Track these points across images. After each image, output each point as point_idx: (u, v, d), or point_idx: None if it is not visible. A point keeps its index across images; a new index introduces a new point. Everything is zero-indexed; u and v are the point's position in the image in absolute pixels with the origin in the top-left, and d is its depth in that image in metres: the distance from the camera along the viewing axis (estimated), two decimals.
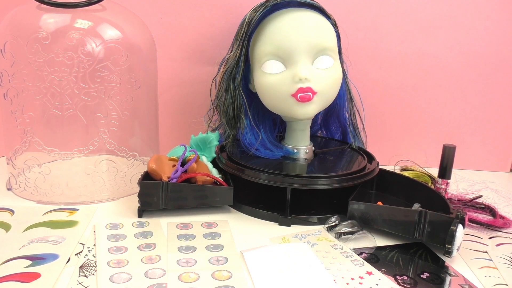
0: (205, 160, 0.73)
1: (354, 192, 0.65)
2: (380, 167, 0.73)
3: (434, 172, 0.76)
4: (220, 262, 0.54)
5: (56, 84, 0.64)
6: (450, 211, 0.59)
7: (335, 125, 0.83)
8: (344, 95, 0.77)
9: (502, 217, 0.69)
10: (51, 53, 0.63)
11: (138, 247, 0.56)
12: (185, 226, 0.63)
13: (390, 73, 0.88)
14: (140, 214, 0.65)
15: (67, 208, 0.67)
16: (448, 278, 0.53)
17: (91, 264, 0.52)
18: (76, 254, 0.54)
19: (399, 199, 0.71)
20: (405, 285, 0.51)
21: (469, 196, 0.74)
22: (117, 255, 0.54)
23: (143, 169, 0.71)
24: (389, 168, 0.78)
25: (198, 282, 0.50)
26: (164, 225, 0.63)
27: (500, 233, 0.66)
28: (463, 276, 0.54)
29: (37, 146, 0.67)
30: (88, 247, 0.56)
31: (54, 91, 0.64)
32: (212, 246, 0.57)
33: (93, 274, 0.50)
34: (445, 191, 0.71)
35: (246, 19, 0.69)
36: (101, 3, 0.68)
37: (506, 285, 0.52)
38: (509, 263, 0.57)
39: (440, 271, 0.55)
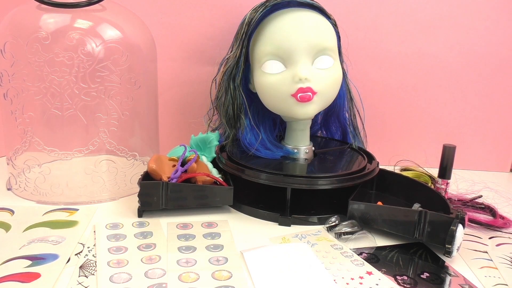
0: (205, 160, 0.73)
1: (354, 192, 0.65)
2: (380, 167, 0.73)
3: (434, 172, 0.76)
4: (220, 262, 0.54)
5: (56, 84, 0.64)
6: (450, 211, 0.59)
7: (335, 125, 0.83)
8: (344, 95, 0.77)
9: (502, 217, 0.69)
10: (51, 53, 0.63)
11: (138, 247, 0.56)
12: (185, 226, 0.63)
13: (390, 73, 0.88)
14: (140, 214, 0.65)
15: (67, 208, 0.67)
16: (448, 278, 0.53)
17: (91, 264, 0.52)
18: (76, 254, 0.54)
19: (399, 199, 0.71)
20: (405, 285, 0.51)
21: (469, 196, 0.74)
22: (117, 255, 0.54)
23: (143, 169, 0.71)
24: (389, 168, 0.78)
25: (198, 282, 0.50)
26: (164, 225, 0.63)
27: (500, 233, 0.66)
28: (463, 276, 0.54)
29: (37, 146, 0.67)
30: (88, 247, 0.56)
31: (54, 91, 0.64)
32: (212, 246, 0.57)
33: (93, 274, 0.50)
34: (445, 191, 0.71)
35: (246, 19, 0.69)
36: (101, 3, 0.68)
37: (506, 285, 0.52)
38: (509, 263, 0.57)
39: (440, 271, 0.55)
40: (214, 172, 0.71)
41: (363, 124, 0.80)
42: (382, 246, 0.60)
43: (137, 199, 0.64)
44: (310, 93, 0.66)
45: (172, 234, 0.60)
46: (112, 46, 0.66)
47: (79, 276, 0.50)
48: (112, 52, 0.66)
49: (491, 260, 0.58)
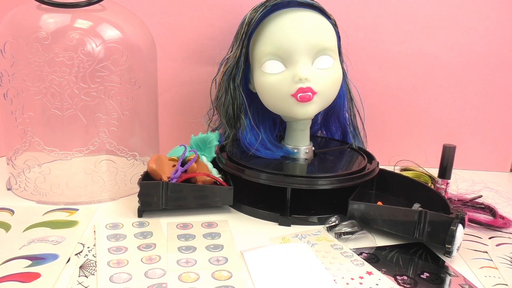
0: (205, 160, 0.73)
1: (354, 192, 0.65)
2: (380, 167, 0.73)
3: (434, 172, 0.76)
4: (220, 262, 0.54)
5: (56, 84, 0.64)
6: (450, 211, 0.59)
7: (335, 125, 0.83)
8: (344, 95, 0.77)
9: (502, 217, 0.69)
10: (51, 53, 0.63)
11: (138, 247, 0.56)
12: (185, 226, 0.63)
13: (390, 73, 0.88)
14: (140, 214, 0.65)
15: (67, 208, 0.67)
16: (448, 278, 0.53)
17: (91, 264, 0.52)
18: (76, 254, 0.54)
19: (399, 199, 0.71)
20: (405, 285, 0.51)
21: (469, 196, 0.74)
22: (117, 255, 0.54)
23: (143, 169, 0.71)
24: (389, 168, 0.78)
25: (198, 282, 0.50)
26: (164, 225, 0.63)
27: (500, 233, 0.66)
28: (463, 276, 0.54)
29: (37, 146, 0.67)
30: (88, 247, 0.56)
31: (54, 91, 0.64)
32: (212, 246, 0.57)
33: (93, 274, 0.50)
34: (445, 191, 0.71)
35: (246, 19, 0.69)
36: (101, 3, 0.68)
37: (506, 285, 0.52)
38: (509, 263, 0.57)
39: (440, 271, 0.55)
40: (214, 172, 0.71)
41: (363, 124, 0.80)
42: (382, 246, 0.60)
43: (137, 199, 0.64)
44: (310, 93, 0.66)
45: (172, 234, 0.60)
46: (112, 46, 0.66)
47: (79, 276, 0.50)
48: (112, 52, 0.66)
49: (491, 260, 0.58)
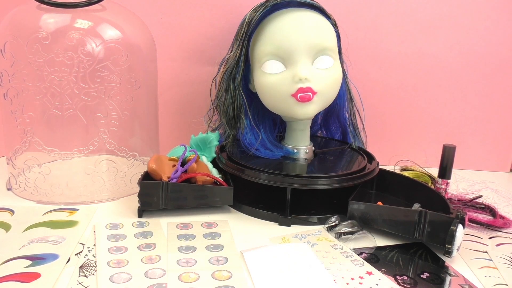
0: (205, 160, 0.73)
1: (354, 192, 0.65)
2: (380, 167, 0.73)
3: (434, 172, 0.76)
4: (220, 262, 0.54)
5: (56, 84, 0.64)
6: (450, 211, 0.59)
7: (335, 125, 0.83)
8: (344, 95, 0.77)
9: (502, 217, 0.69)
10: (51, 53, 0.63)
11: (138, 247, 0.56)
12: (185, 226, 0.63)
13: (390, 73, 0.88)
14: (140, 214, 0.65)
15: (67, 208, 0.67)
16: (448, 278, 0.53)
17: (91, 264, 0.52)
18: (76, 254, 0.54)
19: (399, 199, 0.71)
20: (405, 285, 0.51)
21: (469, 196, 0.74)
22: (117, 255, 0.54)
23: (143, 169, 0.71)
24: (389, 168, 0.78)
25: (198, 282, 0.50)
26: (164, 225, 0.63)
27: (500, 233, 0.66)
28: (463, 276, 0.54)
29: (37, 146, 0.67)
30: (88, 247, 0.56)
31: (54, 91, 0.64)
32: (212, 246, 0.57)
33: (93, 274, 0.50)
34: (445, 191, 0.71)
35: (246, 19, 0.69)
36: (101, 3, 0.68)
37: (506, 285, 0.52)
38: (509, 263, 0.57)
39: (440, 271, 0.55)
40: (214, 172, 0.71)
41: (363, 124, 0.80)
42: (382, 246, 0.60)
43: (137, 199, 0.64)
44: (310, 93, 0.66)
45: (172, 234, 0.60)
46: (112, 46, 0.66)
47: (79, 276, 0.50)
48: (112, 52, 0.66)
49: (491, 260, 0.58)
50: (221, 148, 0.76)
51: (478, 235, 0.64)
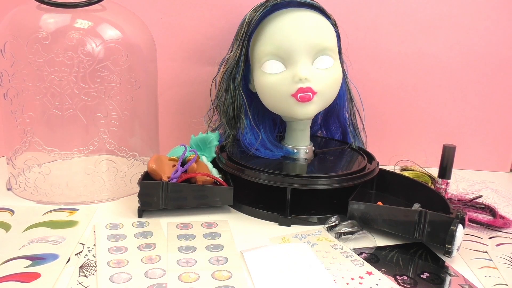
0: (205, 160, 0.73)
1: (354, 192, 0.65)
2: (380, 167, 0.73)
3: (434, 172, 0.76)
4: (220, 262, 0.54)
5: (56, 84, 0.64)
6: (450, 211, 0.59)
7: (335, 125, 0.83)
8: (344, 95, 0.77)
9: (502, 217, 0.69)
10: (51, 53, 0.63)
11: (138, 247, 0.56)
12: (185, 226, 0.63)
13: (390, 73, 0.88)
14: (140, 214, 0.65)
15: (67, 208, 0.67)
16: (448, 278, 0.53)
17: (91, 264, 0.52)
18: (76, 254, 0.54)
19: (399, 199, 0.71)
20: (405, 285, 0.51)
21: (469, 196, 0.74)
22: (117, 255, 0.54)
23: (143, 169, 0.71)
24: (389, 168, 0.78)
25: (198, 282, 0.50)
26: (164, 225, 0.63)
27: (500, 233, 0.66)
28: (463, 276, 0.54)
29: (37, 146, 0.67)
30: (88, 247, 0.56)
31: (54, 91, 0.64)
32: (212, 246, 0.57)
33: (93, 274, 0.50)
34: (445, 191, 0.71)
35: (246, 19, 0.69)
36: (101, 3, 0.68)
37: (506, 285, 0.52)
38: (509, 263, 0.57)
39: (440, 271, 0.55)
40: (214, 172, 0.71)
41: (363, 124, 0.80)
42: (382, 246, 0.60)
43: (137, 199, 0.64)
44: (310, 93, 0.66)
45: (172, 234, 0.60)
46: (112, 46, 0.66)
47: (79, 276, 0.50)
48: (112, 52, 0.66)
49: (491, 260, 0.58)
50: (221, 148, 0.76)
51: (478, 235, 0.64)
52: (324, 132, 0.85)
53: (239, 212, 0.68)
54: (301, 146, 0.74)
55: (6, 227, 0.60)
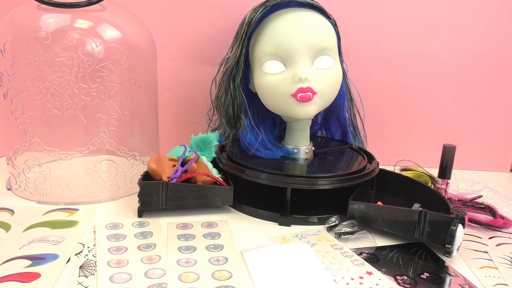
0: (205, 160, 0.73)
1: (354, 192, 0.65)
2: (380, 167, 0.73)
3: (434, 172, 0.76)
4: (220, 262, 0.54)
5: (56, 84, 0.64)
6: (450, 211, 0.59)
7: (335, 125, 0.83)
8: (344, 95, 0.77)
9: (502, 217, 0.69)
10: (51, 53, 0.63)
11: (138, 247, 0.56)
12: (185, 226, 0.63)
13: (390, 73, 0.88)
14: (140, 214, 0.65)
15: (67, 208, 0.67)
16: (448, 278, 0.53)
17: (91, 264, 0.52)
18: (76, 254, 0.54)
19: (399, 199, 0.71)
20: (405, 285, 0.51)
21: (469, 196, 0.74)
22: (117, 255, 0.54)
23: (143, 169, 0.71)
24: (389, 168, 0.78)
25: (198, 282, 0.50)
26: (164, 225, 0.63)
27: (500, 233, 0.66)
28: (463, 276, 0.54)
29: (37, 146, 0.67)
30: (88, 247, 0.56)
31: (54, 91, 0.64)
32: (212, 246, 0.57)
33: (93, 274, 0.50)
34: (445, 191, 0.71)
35: (246, 19, 0.69)
36: (101, 3, 0.68)
37: (506, 285, 0.52)
38: (509, 263, 0.57)
39: (440, 271, 0.55)
40: (214, 172, 0.71)
41: (363, 124, 0.80)
42: (382, 246, 0.60)
43: (137, 199, 0.64)
44: (310, 93, 0.66)
45: (172, 234, 0.60)
46: (112, 46, 0.66)
47: (79, 276, 0.50)
48: (112, 52, 0.66)
49: (491, 260, 0.58)
50: (221, 148, 0.76)
51: (478, 235, 0.64)
52: (324, 132, 0.85)
53: (239, 212, 0.68)
54: (301, 146, 0.74)
55: (6, 227, 0.60)
